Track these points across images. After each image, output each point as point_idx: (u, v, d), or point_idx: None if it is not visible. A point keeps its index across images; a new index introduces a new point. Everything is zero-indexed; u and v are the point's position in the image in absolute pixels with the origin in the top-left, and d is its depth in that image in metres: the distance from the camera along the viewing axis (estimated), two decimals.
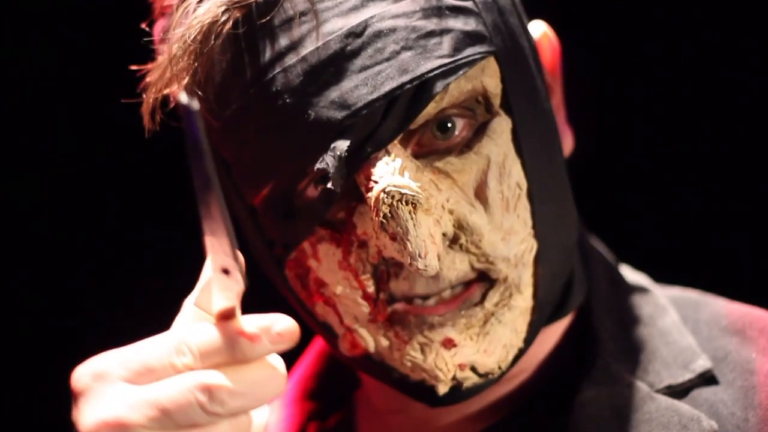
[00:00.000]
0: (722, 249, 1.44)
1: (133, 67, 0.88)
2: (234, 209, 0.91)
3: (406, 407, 0.95)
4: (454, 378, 0.87)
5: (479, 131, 0.86)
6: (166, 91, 0.86)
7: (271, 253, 0.90)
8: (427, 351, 0.86)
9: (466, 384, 0.87)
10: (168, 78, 0.85)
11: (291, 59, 0.82)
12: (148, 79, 0.87)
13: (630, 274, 1.02)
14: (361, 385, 1.02)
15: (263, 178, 0.85)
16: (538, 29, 0.96)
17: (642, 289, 0.99)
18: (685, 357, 0.92)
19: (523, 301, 0.88)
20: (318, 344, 1.08)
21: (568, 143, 0.97)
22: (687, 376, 0.91)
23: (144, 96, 0.87)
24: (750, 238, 1.44)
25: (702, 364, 0.92)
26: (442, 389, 0.87)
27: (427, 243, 0.81)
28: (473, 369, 0.87)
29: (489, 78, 0.86)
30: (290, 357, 1.13)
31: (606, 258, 1.00)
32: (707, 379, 0.91)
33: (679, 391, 0.90)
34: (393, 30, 0.82)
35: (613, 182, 1.37)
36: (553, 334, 0.95)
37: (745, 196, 1.44)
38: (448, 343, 0.86)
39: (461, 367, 0.86)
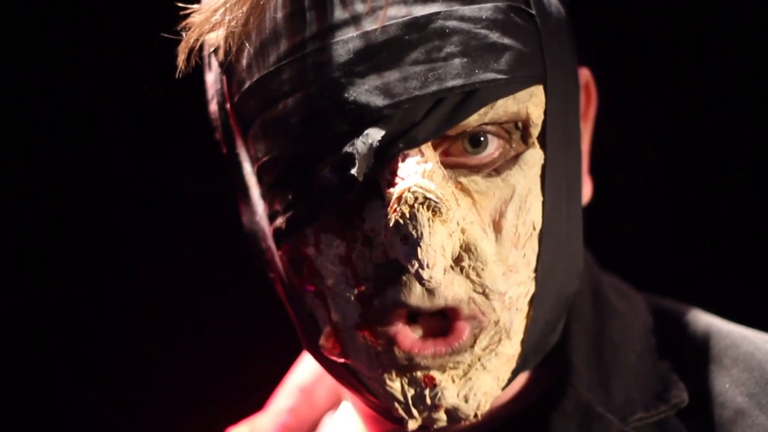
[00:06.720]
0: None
1: (180, 4, 0.86)
2: (238, 173, 0.89)
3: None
4: (427, 417, 0.84)
5: (512, 160, 0.84)
6: (210, 35, 0.84)
7: (270, 227, 0.87)
8: (405, 387, 0.84)
9: (437, 425, 0.85)
10: (216, 22, 0.83)
11: (347, 33, 0.80)
12: (192, 19, 0.85)
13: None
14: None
15: (281, 144, 0.83)
16: (583, 75, 0.95)
17: (627, 310, 0.97)
18: (661, 387, 0.90)
19: (511, 347, 0.85)
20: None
21: (587, 192, 0.95)
22: (660, 407, 0.89)
23: (184, 35, 0.85)
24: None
25: (677, 394, 0.90)
26: (412, 425, 0.85)
27: (437, 254, 0.79)
28: (447, 413, 0.84)
29: (534, 106, 0.84)
30: (288, 358, 1.14)
31: (592, 275, 0.97)
32: (681, 410, 0.89)
33: (651, 423, 0.89)
34: (456, 32, 0.81)
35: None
36: None
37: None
38: (429, 381, 0.83)
39: (437, 408, 0.84)
